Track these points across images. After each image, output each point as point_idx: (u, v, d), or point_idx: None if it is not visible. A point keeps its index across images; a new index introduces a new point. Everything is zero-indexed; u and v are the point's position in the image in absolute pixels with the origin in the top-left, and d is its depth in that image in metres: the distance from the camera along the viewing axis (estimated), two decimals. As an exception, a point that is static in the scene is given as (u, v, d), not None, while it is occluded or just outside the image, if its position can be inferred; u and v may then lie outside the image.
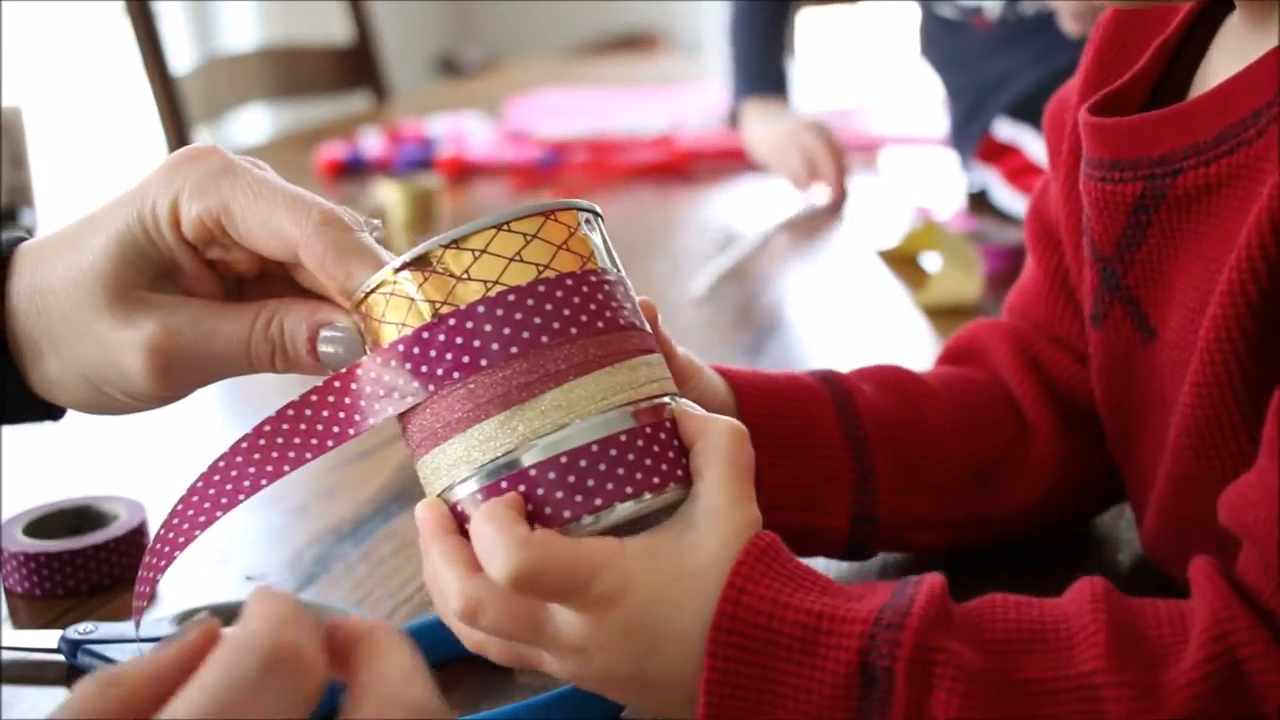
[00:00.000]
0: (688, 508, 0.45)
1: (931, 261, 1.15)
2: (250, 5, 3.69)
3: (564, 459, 0.42)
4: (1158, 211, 0.51)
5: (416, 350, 0.44)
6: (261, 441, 0.47)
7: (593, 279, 0.45)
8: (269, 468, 0.47)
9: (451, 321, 0.43)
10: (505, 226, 0.44)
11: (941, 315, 1.03)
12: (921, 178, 1.51)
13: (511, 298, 0.43)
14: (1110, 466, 0.62)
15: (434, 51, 4.57)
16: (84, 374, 0.50)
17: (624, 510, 0.43)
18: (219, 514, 0.47)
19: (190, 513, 0.48)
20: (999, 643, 0.43)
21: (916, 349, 0.98)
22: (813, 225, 1.34)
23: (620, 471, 0.43)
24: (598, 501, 0.42)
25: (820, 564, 0.61)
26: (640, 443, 0.43)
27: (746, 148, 1.51)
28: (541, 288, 0.43)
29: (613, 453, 0.43)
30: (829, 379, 0.62)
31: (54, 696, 0.56)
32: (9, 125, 1.32)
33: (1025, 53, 1.31)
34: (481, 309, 0.43)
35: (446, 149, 1.64)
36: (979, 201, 1.37)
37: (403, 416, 0.45)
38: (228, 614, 0.59)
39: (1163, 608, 0.44)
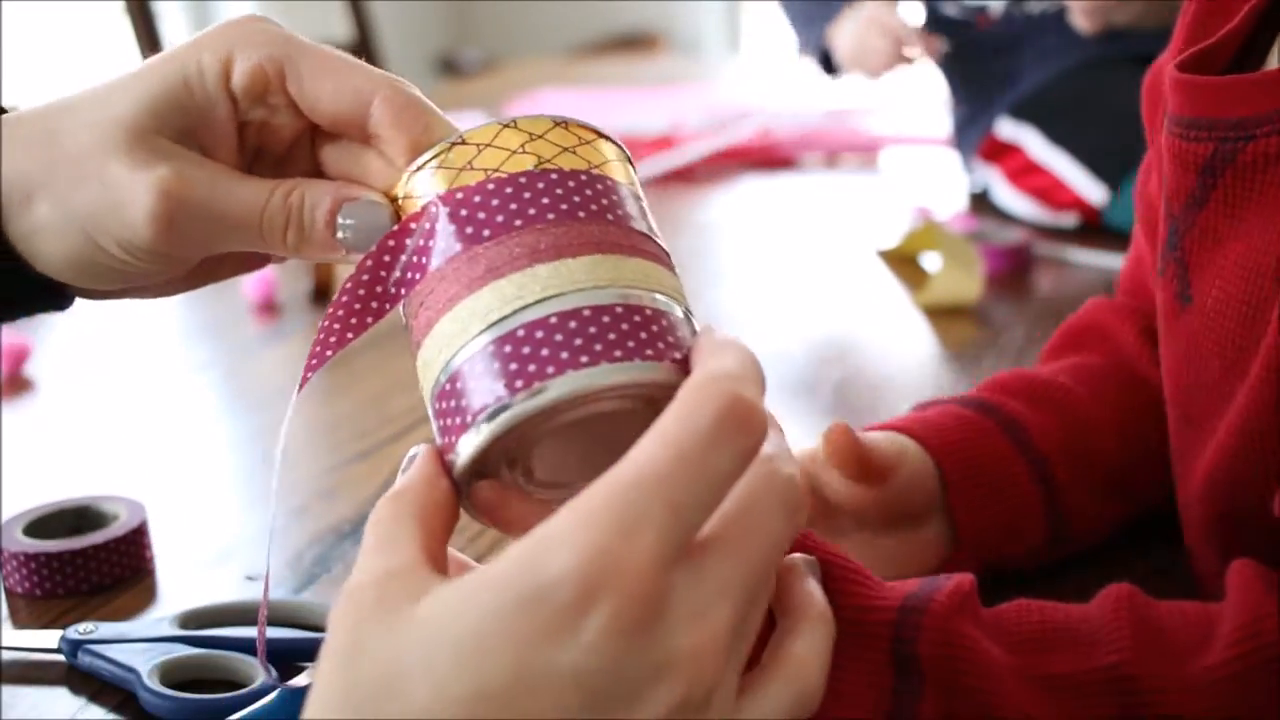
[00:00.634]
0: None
1: (932, 262, 1.15)
2: (250, 5, 3.69)
3: (554, 319, 0.40)
4: (1224, 175, 0.52)
5: (426, 227, 0.43)
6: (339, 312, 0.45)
7: (601, 183, 0.43)
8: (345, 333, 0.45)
9: (449, 202, 0.42)
10: (512, 124, 0.44)
11: (941, 315, 1.03)
12: (922, 178, 1.51)
13: (514, 181, 0.42)
14: None
15: (434, 52, 4.57)
16: (80, 219, 0.45)
17: (612, 371, 0.39)
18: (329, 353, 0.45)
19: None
20: (1025, 640, 0.44)
21: (916, 349, 0.98)
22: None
23: (611, 336, 0.40)
24: (583, 359, 0.39)
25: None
26: (638, 319, 0.40)
27: (844, 68, 1.49)
28: (543, 175, 0.43)
29: (605, 319, 0.40)
30: (985, 406, 0.63)
31: (54, 696, 0.56)
32: (9, 125, 1.32)
33: (1029, 52, 1.31)
34: (478, 197, 0.42)
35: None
36: (980, 201, 1.37)
37: (409, 306, 0.44)
38: (229, 615, 0.59)
39: (1189, 608, 0.44)
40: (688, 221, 1.40)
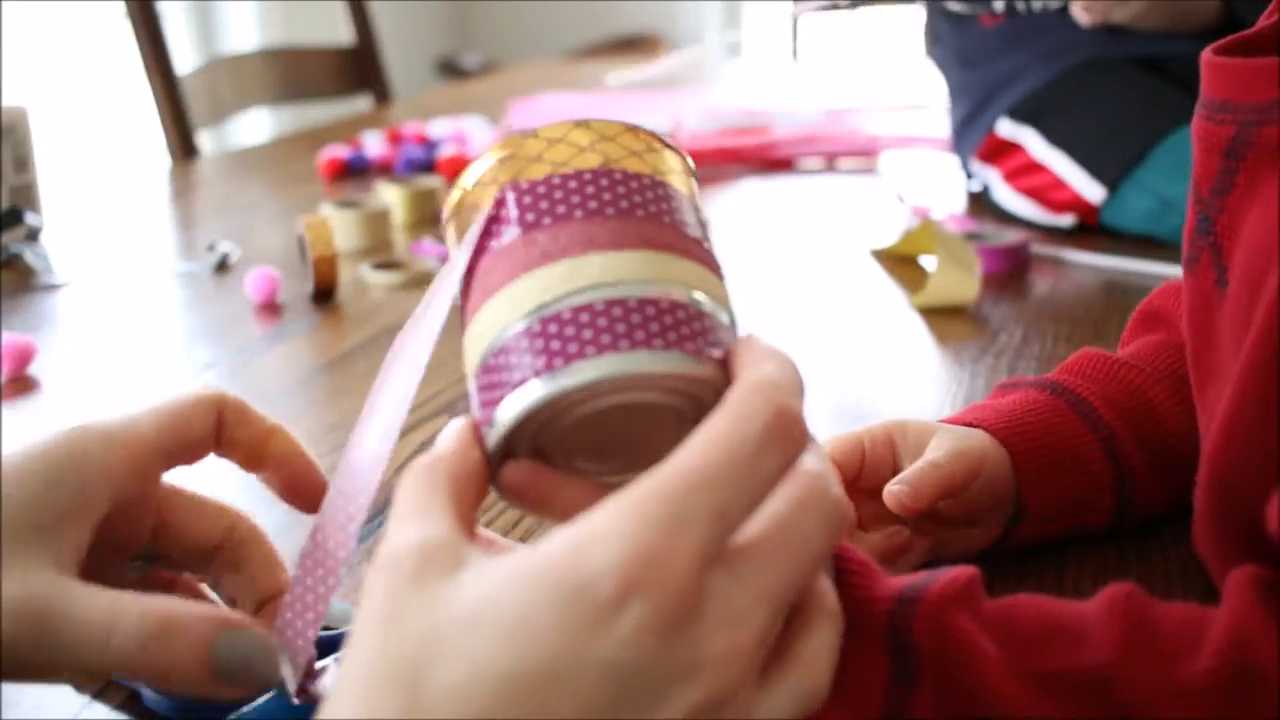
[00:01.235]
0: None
1: (929, 262, 1.15)
2: (252, 7, 3.69)
3: (600, 305, 0.41)
4: (1244, 159, 0.52)
5: (491, 213, 0.44)
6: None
7: (663, 188, 0.45)
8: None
9: (513, 191, 0.44)
10: (585, 124, 0.45)
11: (939, 315, 1.03)
12: (920, 178, 1.51)
13: (578, 176, 0.43)
14: None
15: (435, 54, 4.58)
16: None
17: (649, 359, 0.40)
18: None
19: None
20: (1019, 634, 0.45)
21: (914, 350, 0.98)
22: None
23: (653, 326, 0.40)
24: (624, 345, 0.40)
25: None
26: (682, 314, 0.41)
27: None
28: (607, 174, 0.44)
29: (650, 310, 0.41)
30: (1054, 387, 0.66)
31: (57, 695, 0.56)
32: (13, 126, 1.33)
33: (1031, 52, 1.32)
34: (542, 188, 0.43)
35: (448, 150, 1.65)
36: (978, 202, 1.37)
37: (464, 285, 0.45)
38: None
39: (1186, 611, 0.45)
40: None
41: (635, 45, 4.50)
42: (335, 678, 0.36)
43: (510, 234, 0.43)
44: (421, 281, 1.17)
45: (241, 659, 0.42)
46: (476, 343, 0.43)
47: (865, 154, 1.64)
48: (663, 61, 3.06)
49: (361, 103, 2.33)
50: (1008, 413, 0.64)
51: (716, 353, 0.41)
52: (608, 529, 0.34)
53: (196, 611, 0.42)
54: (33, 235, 1.28)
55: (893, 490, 0.58)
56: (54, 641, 0.41)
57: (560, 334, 0.40)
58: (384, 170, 1.65)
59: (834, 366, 0.93)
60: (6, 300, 1.15)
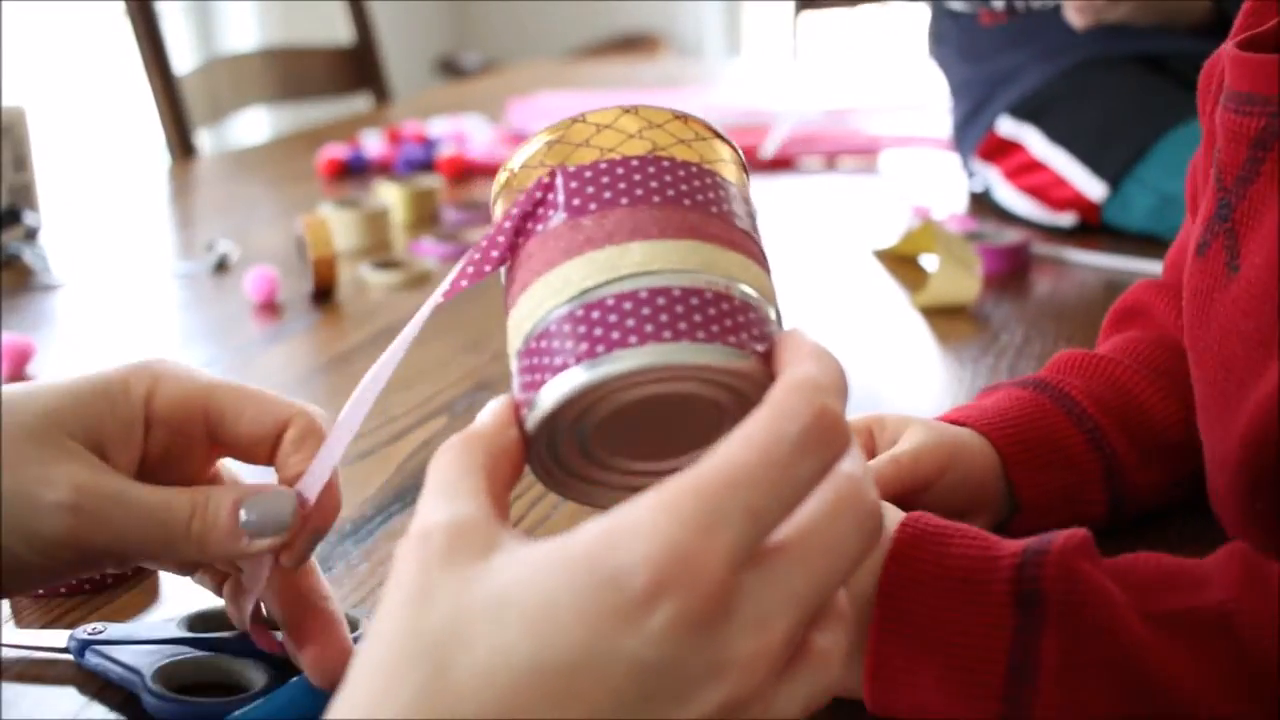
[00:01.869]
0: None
1: (930, 262, 1.15)
2: (251, 6, 3.69)
3: (644, 294, 0.40)
4: (1272, 149, 0.54)
5: (537, 196, 0.44)
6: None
7: (711, 177, 0.44)
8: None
9: (562, 175, 0.43)
10: (633, 110, 0.45)
11: (939, 315, 1.03)
12: (921, 178, 1.51)
13: (626, 163, 0.43)
14: None
15: (434, 53, 4.57)
16: None
17: (692, 350, 0.40)
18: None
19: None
20: (1140, 580, 0.47)
21: (914, 349, 0.98)
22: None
23: (697, 317, 0.40)
24: (666, 334, 0.40)
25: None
26: (726, 306, 0.41)
27: None
28: (655, 161, 0.43)
29: (693, 301, 0.40)
30: (1036, 384, 0.67)
31: (57, 696, 0.56)
32: (12, 126, 1.32)
33: (1031, 51, 1.32)
34: (589, 173, 0.43)
35: (447, 150, 1.64)
36: (979, 201, 1.37)
37: (509, 267, 0.44)
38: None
39: None
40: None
41: (635, 45, 4.50)
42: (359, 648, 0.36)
43: (556, 218, 0.43)
44: (421, 281, 1.17)
45: (261, 513, 0.49)
46: (520, 325, 0.42)
47: (866, 153, 1.63)
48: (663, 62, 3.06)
49: (361, 102, 2.33)
50: (993, 410, 0.65)
51: (760, 346, 0.40)
52: (641, 524, 0.34)
53: (226, 488, 0.49)
54: (31, 235, 1.28)
55: None
56: (103, 516, 0.47)
57: (603, 320, 0.40)
58: (383, 170, 1.64)
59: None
60: (5, 300, 1.14)
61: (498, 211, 0.46)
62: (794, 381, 0.37)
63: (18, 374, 0.96)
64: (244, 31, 3.65)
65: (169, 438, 0.51)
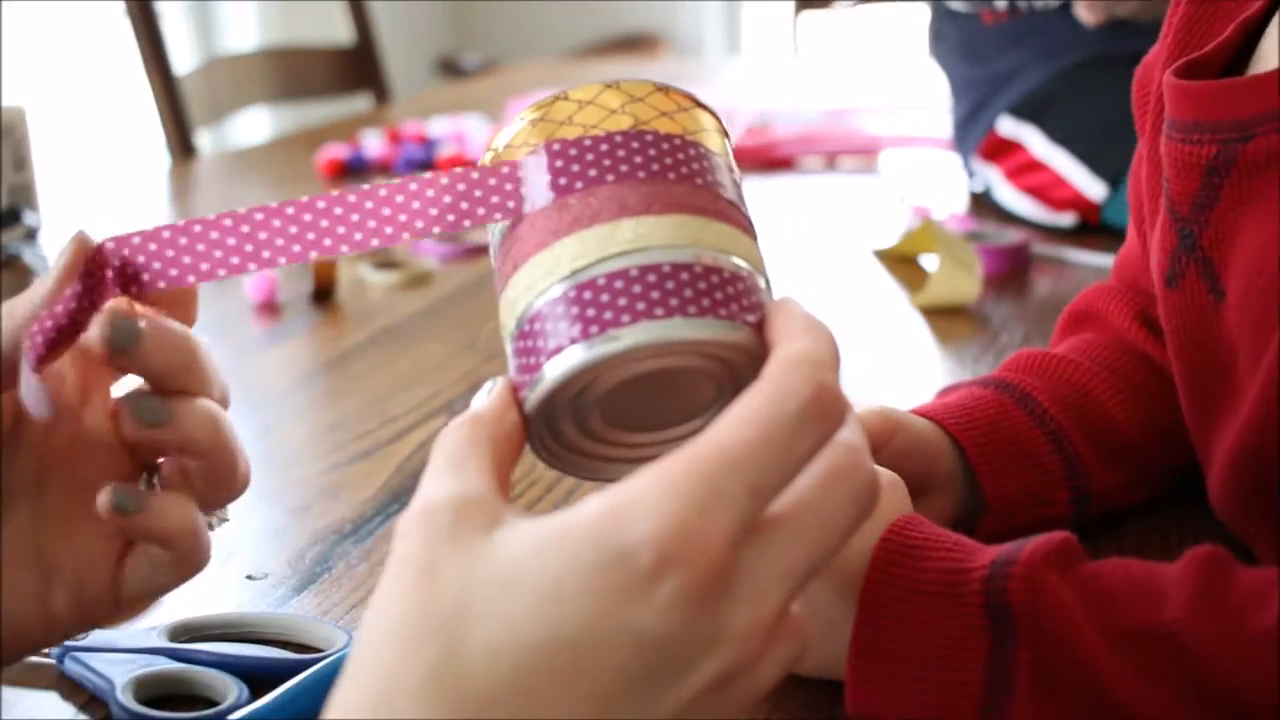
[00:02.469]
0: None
1: (930, 262, 1.15)
2: (251, 6, 3.69)
3: (635, 271, 0.41)
4: (1229, 175, 0.54)
5: (522, 175, 0.44)
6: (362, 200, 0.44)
7: (695, 149, 0.44)
8: (340, 230, 0.44)
9: (546, 153, 0.43)
10: (615, 85, 0.45)
11: (940, 315, 1.03)
12: (921, 178, 1.51)
13: (609, 139, 0.43)
14: None
15: (435, 53, 4.57)
16: None
17: (685, 325, 0.40)
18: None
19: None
20: (1105, 594, 0.47)
21: (914, 349, 0.98)
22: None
23: (688, 293, 0.40)
24: (659, 311, 0.40)
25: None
26: (716, 279, 0.41)
27: None
28: (638, 136, 0.44)
29: (684, 276, 0.40)
30: (999, 384, 0.67)
31: (49, 700, 0.56)
32: (11, 126, 1.32)
33: (1032, 50, 1.31)
34: (574, 150, 0.43)
35: (447, 150, 1.64)
36: (979, 202, 1.37)
37: (498, 250, 0.45)
38: (219, 628, 0.59)
39: (1258, 570, 0.46)
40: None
41: (635, 45, 4.50)
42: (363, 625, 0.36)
43: (543, 198, 0.43)
44: (420, 281, 1.17)
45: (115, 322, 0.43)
46: (512, 307, 0.43)
47: (866, 153, 1.63)
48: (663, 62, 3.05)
49: (361, 102, 2.32)
50: (955, 407, 0.65)
51: (752, 317, 0.41)
52: (646, 501, 0.34)
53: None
54: (31, 235, 1.28)
55: None
56: None
57: (595, 300, 0.40)
58: (384, 170, 1.64)
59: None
60: (5, 299, 1.14)
61: None
62: (791, 357, 0.37)
63: (17, 374, 0.96)
64: (244, 31, 3.64)
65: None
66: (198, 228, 0.45)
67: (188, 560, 0.47)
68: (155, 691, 0.55)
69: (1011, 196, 1.31)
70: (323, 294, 1.11)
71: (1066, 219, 1.25)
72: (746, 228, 0.44)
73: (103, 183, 1.70)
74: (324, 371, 0.97)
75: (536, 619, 0.33)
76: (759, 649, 0.35)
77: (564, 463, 0.44)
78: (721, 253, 0.42)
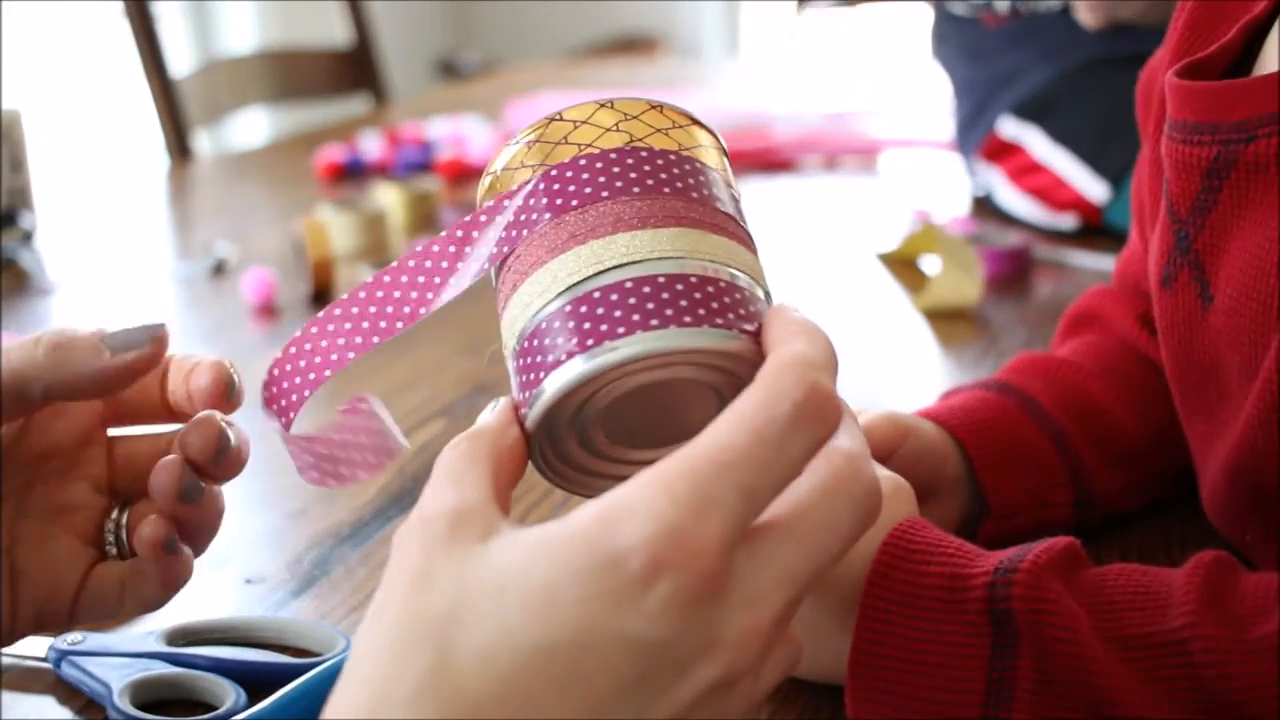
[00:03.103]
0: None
1: (931, 264, 1.15)
2: (249, 7, 3.69)
3: (630, 283, 0.41)
4: (1228, 177, 0.53)
5: (518, 202, 0.44)
6: (379, 292, 0.46)
7: (690, 163, 0.44)
8: (382, 324, 0.46)
9: (542, 177, 0.44)
10: (609, 104, 0.45)
11: (941, 318, 1.03)
12: (922, 181, 1.51)
13: (604, 157, 0.44)
14: None
15: (433, 54, 4.57)
16: None
17: (680, 335, 0.40)
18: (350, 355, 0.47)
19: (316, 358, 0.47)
20: (1108, 601, 0.46)
21: (916, 352, 0.98)
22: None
23: (683, 303, 0.40)
24: (654, 322, 0.40)
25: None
26: (711, 289, 0.41)
27: None
28: (633, 153, 0.44)
29: (679, 287, 0.41)
30: (1002, 387, 0.67)
31: (46, 705, 0.56)
32: (8, 128, 1.32)
33: (1034, 51, 1.31)
34: (569, 171, 0.44)
35: (446, 152, 1.64)
36: (980, 204, 1.37)
37: (500, 272, 0.45)
38: (216, 632, 0.59)
39: (1261, 578, 0.46)
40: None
41: (635, 45, 4.50)
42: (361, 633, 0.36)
43: (540, 218, 0.43)
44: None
45: (127, 336, 0.46)
46: (512, 325, 0.43)
47: (866, 154, 1.63)
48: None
49: (359, 103, 2.32)
50: (958, 409, 0.65)
51: (749, 326, 0.41)
52: (637, 505, 0.34)
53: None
54: (27, 237, 1.27)
55: None
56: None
57: (591, 314, 0.40)
58: (382, 172, 1.64)
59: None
60: (2, 303, 1.14)
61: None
62: (784, 359, 0.37)
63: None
64: (242, 33, 3.64)
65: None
66: (314, 329, 0.47)
67: (173, 578, 0.48)
68: (152, 696, 0.55)
69: (1013, 198, 1.31)
70: (321, 296, 1.11)
71: (1068, 220, 1.25)
72: (744, 240, 0.44)
73: (100, 185, 1.69)
74: (322, 374, 0.97)
75: (529, 624, 0.33)
76: (757, 655, 0.35)
77: (569, 481, 0.44)
78: (717, 263, 0.42)
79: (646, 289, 0.40)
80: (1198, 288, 0.56)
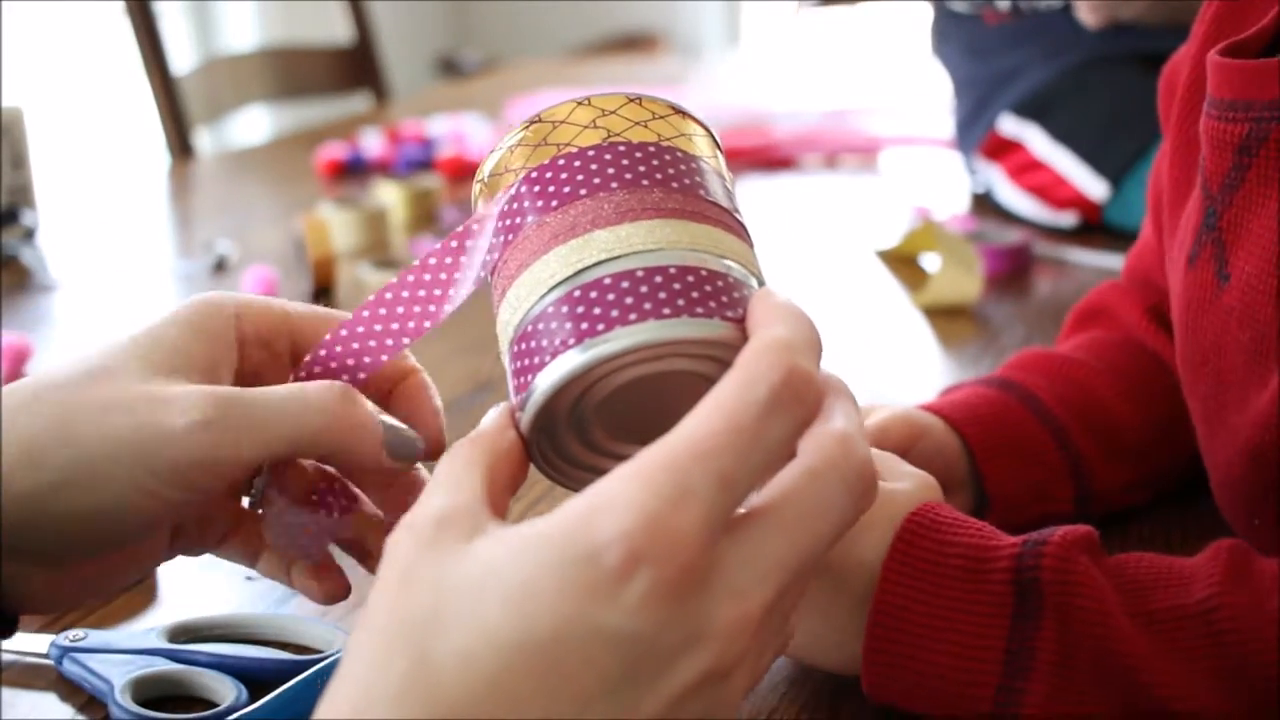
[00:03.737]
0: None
1: (931, 262, 1.15)
2: (251, 5, 3.69)
3: (608, 279, 0.41)
4: (1258, 154, 0.54)
5: (503, 207, 0.45)
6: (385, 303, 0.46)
7: (670, 154, 0.44)
8: (389, 341, 0.46)
9: (523, 180, 0.44)
10: (586, 101, 0.45)
11: (941, 316, 1.03)
12: (922, 178, 1.51)
13: (582, 155, 0.44)
14: None
15: (434, 52, 4.57)
16: (108, 456, 0.41)
17: (659, 328, 0.40)
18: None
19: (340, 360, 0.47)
20: (1133, 581, 0.47)
21: (915, 350, 0.98)
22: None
23: (662, 295, 0.40)
24: (632, 316, 0.40)
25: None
26: (691, 279, 0.41)
27: None
28: (610, 148, 0.44)
29: (658, 279, 0.40)
30: (1003, 383, 0.67)
31: (47, 701, 0.56)
32: (9, 126, 1.32)
33: (1035, 49, 1.31)
34: (549, 172, 0.44)
35: (446, 149, 1.64)
36: (980, 202, 1.37)
37: (493, 277, 0.45)
38: (218, 629, 0.59)
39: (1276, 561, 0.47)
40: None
41: (635, 44, 4.49)
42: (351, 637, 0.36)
43: (525, 221, 0.43)
44: (420, 281, 1.16)
45: (400, 436, 0.45)
46: (504, 330, 0.43)
47: (866, 152, 1.63)
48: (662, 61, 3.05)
49: (360, 101, 2.32)
50: (960, 404, 0.66)
51: (731, 313, 0.41)
52: (615, 498, 0.34)
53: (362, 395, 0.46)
54: (29, 235, 1.28)
55: None
56: (247, 420, 0.42)
57: (572, 313, 0.40)
58: (383, 169, 1.64)
59: (834, 366, 0.92)
60: (3, 300, 1.14)
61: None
62: (762, 343, 0.37)
63: (16, 374, 0.96)
64: (243, 30, 3.64)
65: (259, 356, 0.47)
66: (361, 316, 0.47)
67: (327, 587, 0.49)
68: (154, 692, 0.55)
69: (1013, 196, 1.31)
70: (322, 294, 1.11)
71: (1068, 218, 1.25)
72: (731, 226, 0.44)
73: (101, 182, 1.69)
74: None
75: (508, 620, 0.33)
76: (748, 646, 0.35)
77: (574, 480, 0.44)
78: (699, 252, 0.42)
79: (625, 284, 0.40)
80: (1215, 265, 0.56)
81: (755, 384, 0.36)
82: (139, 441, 0.41)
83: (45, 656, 0.57)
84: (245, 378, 0.47)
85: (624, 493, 0.34)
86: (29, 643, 0.58)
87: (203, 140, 2.00)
